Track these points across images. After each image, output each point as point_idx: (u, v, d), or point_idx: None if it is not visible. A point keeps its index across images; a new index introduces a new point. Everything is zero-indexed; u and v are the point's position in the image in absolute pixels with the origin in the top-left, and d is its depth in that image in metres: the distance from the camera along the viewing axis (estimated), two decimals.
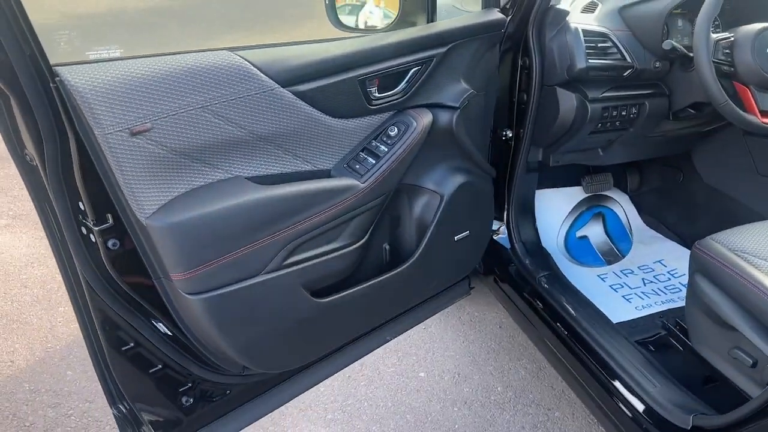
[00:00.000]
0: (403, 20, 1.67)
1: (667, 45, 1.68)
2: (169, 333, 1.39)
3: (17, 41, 0.99)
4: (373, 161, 1.48)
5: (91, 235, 1.21)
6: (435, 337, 2.47)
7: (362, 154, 1.50)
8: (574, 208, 2.43)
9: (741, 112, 1.59)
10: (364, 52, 1.41)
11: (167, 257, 1.22)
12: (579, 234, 2.39)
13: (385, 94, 1.50)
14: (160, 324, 1.37)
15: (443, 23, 1.62)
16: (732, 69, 1.60)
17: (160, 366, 1.43)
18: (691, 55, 1.65)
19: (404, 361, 2.35)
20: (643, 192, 2.55)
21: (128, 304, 1.31)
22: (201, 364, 1.48)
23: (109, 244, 1.21)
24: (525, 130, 1.92)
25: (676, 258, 2.26)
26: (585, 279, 2.16)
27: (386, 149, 1.50)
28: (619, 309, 2.00)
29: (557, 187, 2.41)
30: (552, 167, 2.09)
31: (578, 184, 2.44)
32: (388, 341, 1.90)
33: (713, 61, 1.57)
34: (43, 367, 2.26)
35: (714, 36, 1.60)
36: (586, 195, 2.45)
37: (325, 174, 1.47)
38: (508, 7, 1.79)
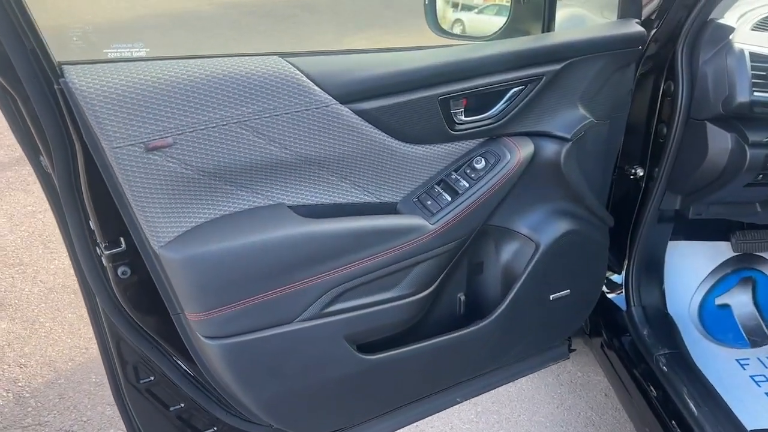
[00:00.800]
0: (513, 28, 1.37)
1: None
2: (190, 372, 1.23)
3: (16, 33, 0.85)
4: (449, 198, 1.22)
5: (103, 259, 1.06)
6: (524, 396, 2.14)
7: (437, 189, 1.23)
8: (717, 267, 1.96)
9: None
10: (450, 65, 1.14)
11: (182, 294, 1.04)
12: (719, 301, 1.93)
13: (474, 117, 1.22)
14: (181, 361, 1.21)
15: (561, 34, 1.31)
16: None
17: (182, 405, 1.27)
18: None
19: (483, 418, 2.04)
20: None
21: (146, 334, 1.16)
22: (227, 409, 1.30)
23: (119, 271, 1.05)
24: (661, 171, 1.54)
25: None
26: (718, 362, 1.73)
27: (468, 185, 1.23)
28: (760, 411, 1.56)
29: (697, 239, 1.96)
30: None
31: (725, 238, 1.97)
32: (459, 403, 1.62)
33: None
34: None
35: None
36: (735, 254, 1.97)
37: (390, 208, 1.23)
38: (653, 18, 1.43)
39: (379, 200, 1.21)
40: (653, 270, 1.75)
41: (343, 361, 1.22)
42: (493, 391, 2.13)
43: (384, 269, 1.19)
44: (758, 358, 1.75)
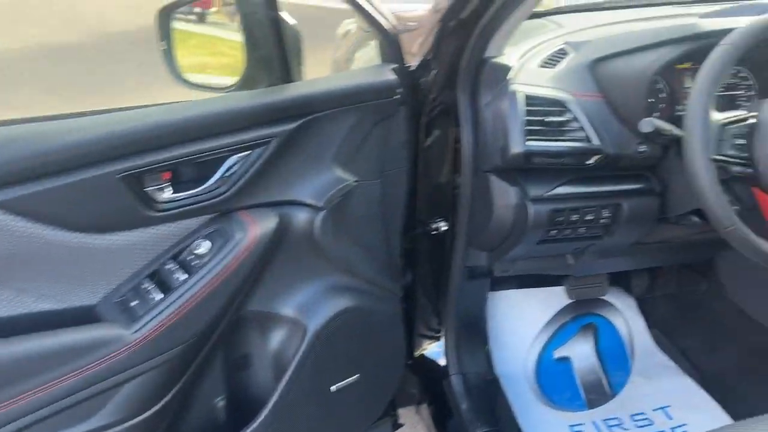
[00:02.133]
0: (251, 79, 1.15)
1: (646, 125, 1.07)
2: None
3: None
4: (160, 296, 0.97)
5: None
6: None
7: (147, 284, 0.99)
8: (555, 316, 1.81)
9: (757, 241, 0.98)
10: (136, 133, 0.91)
11: None
12: (558, 354, 1.77)
13: (187, 193, 0.99)
14: None
15: (296, 86, 1.11)
16: (749, 170, 1.00)
17: None
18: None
19: None
20: (655, 297, 1.91)
21: None
22: None
23: None
24: (460, 226, 1.37)
25: (688, 406, 1.60)
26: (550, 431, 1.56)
27: (186, 276, 0.99)
28: None
29: (530, 286, 1.80)
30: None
31: (560, 283, 1.82)
32: None
33: (717, 159, 0.99)
34: None
35: (719, 116, 1.01)
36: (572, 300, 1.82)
37: (87, 314, 0.97)
38: (429, 59, 1.26)
39: (67, 305, 0.95)
40: (473, 330, 1.57)
41: None
42: None
43: (69, 399, 0.93)
44: (593, 423, 1.59)
